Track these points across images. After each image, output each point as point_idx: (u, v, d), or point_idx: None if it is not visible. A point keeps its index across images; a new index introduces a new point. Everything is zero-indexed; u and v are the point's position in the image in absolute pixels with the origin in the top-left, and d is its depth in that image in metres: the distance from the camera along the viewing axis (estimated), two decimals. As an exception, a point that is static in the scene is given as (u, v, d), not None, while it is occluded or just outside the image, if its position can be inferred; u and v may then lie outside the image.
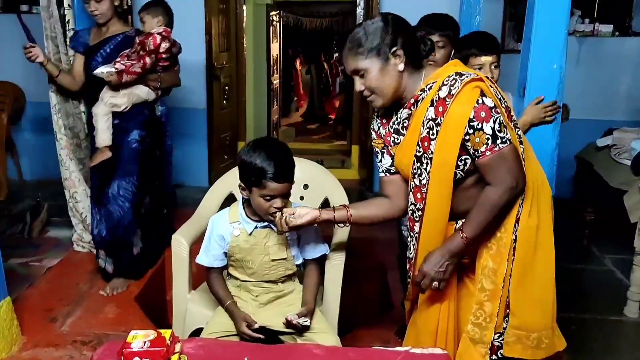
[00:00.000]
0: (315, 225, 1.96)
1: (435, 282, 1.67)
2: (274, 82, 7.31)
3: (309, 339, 1.93)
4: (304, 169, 2.54)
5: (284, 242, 1.99)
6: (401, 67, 1.66)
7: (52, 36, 3.23)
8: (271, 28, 7.05)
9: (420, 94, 1.67)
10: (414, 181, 1.71)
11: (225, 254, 2.03)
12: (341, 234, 2.23)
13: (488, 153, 1.57)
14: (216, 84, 5.05)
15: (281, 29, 7.82)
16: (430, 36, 2.04)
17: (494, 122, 1.55)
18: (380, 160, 1.85)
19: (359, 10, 5.10)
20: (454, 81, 1.60)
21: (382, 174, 1.86)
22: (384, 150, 1.83)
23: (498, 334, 1.72)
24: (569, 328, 2.83)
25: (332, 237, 2.25)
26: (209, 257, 2.04)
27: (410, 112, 1.70)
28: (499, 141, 1.56)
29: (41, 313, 2.86)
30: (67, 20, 3.26)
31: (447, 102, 1.59)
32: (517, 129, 1.68)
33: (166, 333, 1.63)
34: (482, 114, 1.55)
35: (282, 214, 1.83)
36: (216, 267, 2.05)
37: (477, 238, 1.66)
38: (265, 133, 6.53)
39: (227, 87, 5.29)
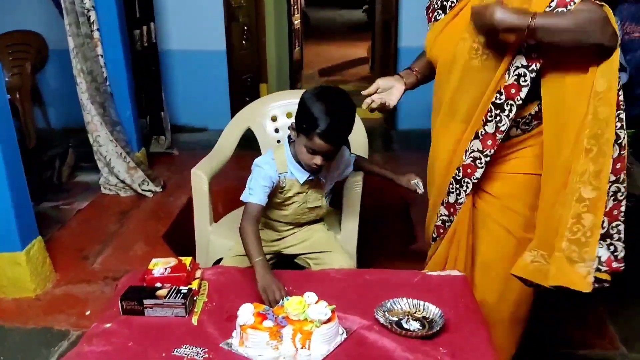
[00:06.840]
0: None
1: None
2: (295, 22, 7.17)
3: (324, 262, 1.96)
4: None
5: (322, 192, 1.98)
6: None
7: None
8: (290, -35, 6.85)
9: None
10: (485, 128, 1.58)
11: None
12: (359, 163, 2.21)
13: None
14: (235, 24, 4.97)
15: (300, -34, 7.61)
16: None
17: None
18: None
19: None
20: None
21: None
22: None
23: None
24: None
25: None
26: (257, 193, 1.79)
27: None
28: None
29: (73, 252, 2.97)
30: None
31: None
32: None
33: (186, 260, 1.68)
34: None
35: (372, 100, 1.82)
36: (261, 205, 1.80)
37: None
38: (287, 74, 6.45)
39: (246, 28, 5.19)
